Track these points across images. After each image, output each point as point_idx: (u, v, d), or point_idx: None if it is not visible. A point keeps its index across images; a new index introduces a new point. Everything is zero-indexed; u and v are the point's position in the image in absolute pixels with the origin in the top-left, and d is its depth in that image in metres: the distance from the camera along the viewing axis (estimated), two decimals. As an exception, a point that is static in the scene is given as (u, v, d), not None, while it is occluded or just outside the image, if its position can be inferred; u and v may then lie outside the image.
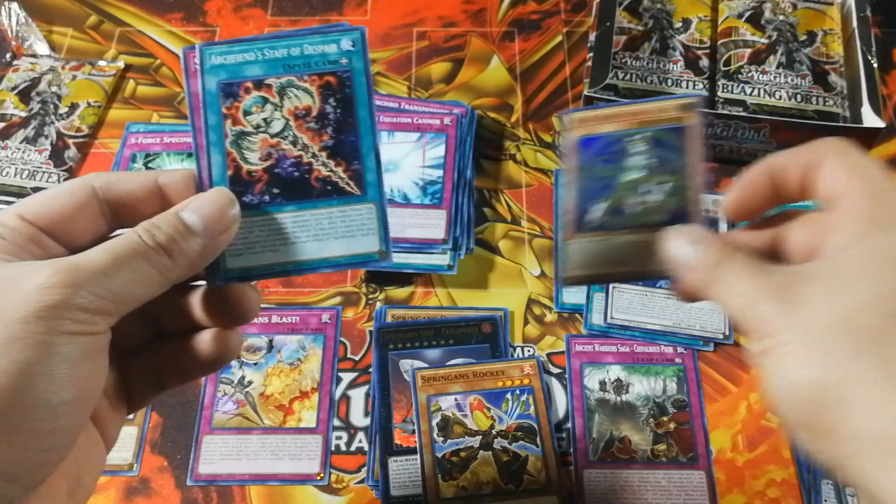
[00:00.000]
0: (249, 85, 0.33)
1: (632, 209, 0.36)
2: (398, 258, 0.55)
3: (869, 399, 0.25)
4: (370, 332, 0.54)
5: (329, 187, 0.32)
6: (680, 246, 0.33)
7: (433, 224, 0.56)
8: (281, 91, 0.33)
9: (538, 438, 0.49)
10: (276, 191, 0.32)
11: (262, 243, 0.32)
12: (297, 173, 0.32)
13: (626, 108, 0.37)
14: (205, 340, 0.33)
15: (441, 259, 0.54)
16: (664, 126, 0.37)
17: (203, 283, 0.33)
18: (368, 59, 0.33)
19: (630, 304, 0.54)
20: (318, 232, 0.32)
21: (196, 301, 0.33)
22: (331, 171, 0.33)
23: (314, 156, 0.33)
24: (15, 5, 0.69)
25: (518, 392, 0.50)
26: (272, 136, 0.33)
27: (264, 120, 0.33)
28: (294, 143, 0.33)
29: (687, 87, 0.62)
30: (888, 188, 0.29)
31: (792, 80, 0.62)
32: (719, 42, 0.65)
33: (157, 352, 0.34)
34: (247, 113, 0.33)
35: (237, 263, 0.32)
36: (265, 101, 0.33)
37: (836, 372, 0.26)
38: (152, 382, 0.34)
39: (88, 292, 0.26)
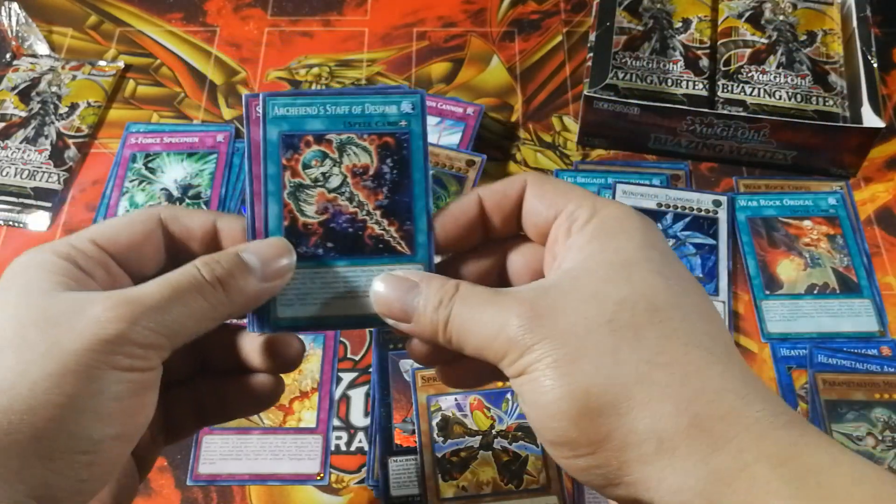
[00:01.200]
0: (310, 138, 0.33)
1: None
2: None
3: (640, 398, 0.25)
4: (370, 332, 0.54)
5: (381, 245, 0.33)
6: (391, 299, 0.30)
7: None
8: (341, 147, 0.33)
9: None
10: (330, 245, 0.33)
11: (314, 295, 0.32)
12: (351, 229, 0.33)
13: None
14: (249, 384, 0.33)
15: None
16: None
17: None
18: (427, 123, 0.34)
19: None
20: (368, 288, 0.32)
21: (244, 343, 0.34)
22: (384, 229, 0.33)
23: (369, 213, 0.33)
24: (15, 5, 0.69)
25: (518, 392, 0.50)
26: (329, 191, 0.33)
27: (323, 174, 0.33)
28: (350, 200, 0.33)
29: (687, 87, 0.62)
30: (602, 202, 0.29)
31: (792, 80, 0.62)
32: (719, 42, 0.65)
33: (201, 387, 0.34)
34: (306, 166, 0.33)
35: (287, 313, 0.32)
36: (325, 155, 0.33)
37: (601, 377, 0.25)
38: (193, 416, 0.34)
39: (144, 327, 0.26)
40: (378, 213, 0.33)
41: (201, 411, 0.34)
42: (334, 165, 0.33)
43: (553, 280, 0.28)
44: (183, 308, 0.28)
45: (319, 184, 0.33)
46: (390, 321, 0.31)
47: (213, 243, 0.32)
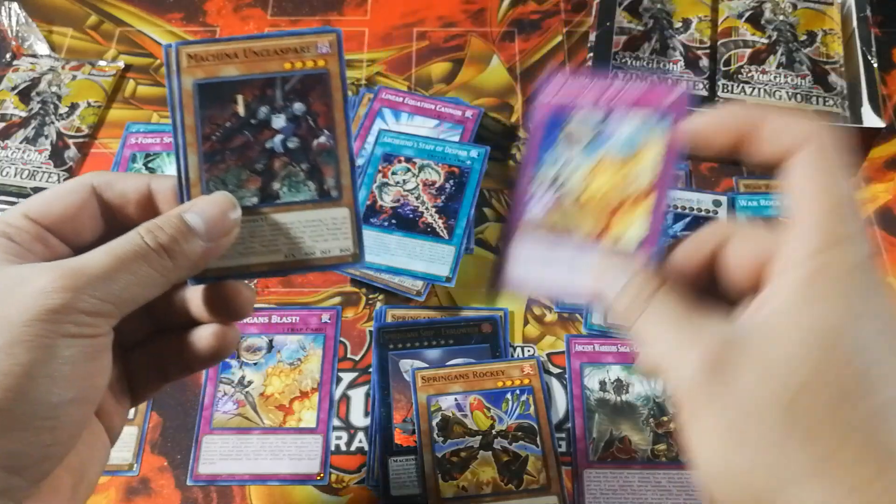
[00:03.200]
0: (402, 158, 0.58)
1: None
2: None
3: (803, 497, 0.23)
4: (370, 332, 0.54)
5: (429, 229, 0.55)
6: (608, 276, 0.29)
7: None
8: (421, 167, 0.57)
9: (538, 438, 0.49)
10: (394, 222, 0.55)
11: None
12: (412, 215, 0.56)
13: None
14: (203, 336, 0.33)
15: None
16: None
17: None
18: (486, 164, 0.56)
19: (630, 304, 0.54)
20: (412, 252, 0.54)
21: (191, 297, 0.34)
22: (433, 220, 0.55)
23: (426, 209, 0.55)
24: (15, 5, 0.69)
25: (518, 392, 0.50)
26: (404, 191, 0.56)
27: (403, 180, 0.57)
28: (417, 198, 0.56)
29: (687, 87, 0.62)
30: (843, 227, 0.25)
31: (792, 80, 0.62)
32: (719, 42, 0.65)
33: (158, 345, 0.34)
34: (394, 173, 0.57)
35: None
36: (408, 170, 0.57)
37: (763, 466, 0.23)
38: (155, 375, 0.34)
39: (90, 296, 0.27)
40: (433, 210, 0.55)
41: (162, 369, 0.34)
42: (413, 177, 0.57)
43: (747, 329, 0.25)
44: (129, 276, 0.28)
45: (398, 185, 0.57)
46: (597, 285, 0.29)
47: (149, 206, 0.32)
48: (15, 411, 0.25)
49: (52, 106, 0.65)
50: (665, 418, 0.50)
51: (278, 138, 0.33)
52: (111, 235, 0.30)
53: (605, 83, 0.31)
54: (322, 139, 0.33)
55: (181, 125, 0.32)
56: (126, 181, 0.32)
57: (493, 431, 0.49)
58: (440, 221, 0.55)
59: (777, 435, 0.23)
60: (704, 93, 0.62)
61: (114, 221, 0.32)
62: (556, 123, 0.33)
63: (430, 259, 0.54)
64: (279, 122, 0.33)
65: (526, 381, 0.50)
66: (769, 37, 0.65)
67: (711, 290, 0.29)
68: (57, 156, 0.62)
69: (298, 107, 0.33)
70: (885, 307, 0.24)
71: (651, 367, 0.27)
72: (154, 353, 0.34)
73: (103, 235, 0.32)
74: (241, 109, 0.33)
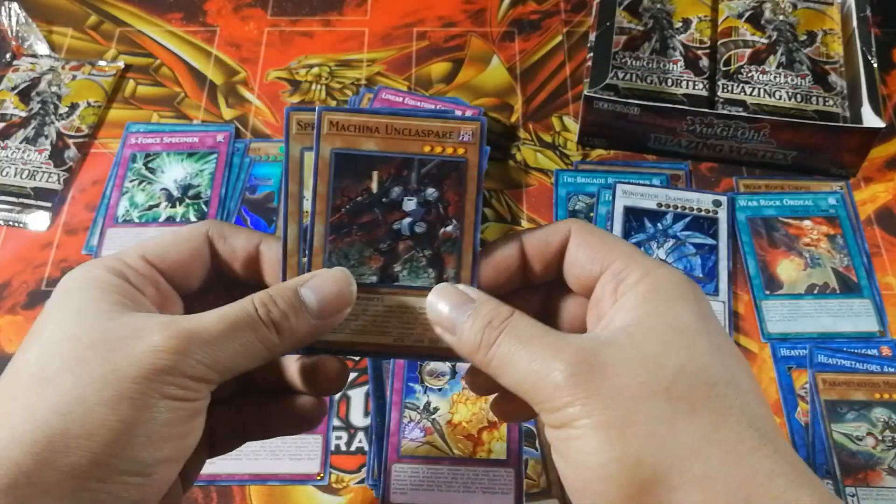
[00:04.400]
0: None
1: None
2: None
3: (694, 474, 0.24)
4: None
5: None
6: (444, 308, 0.29)
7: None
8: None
9: (537, 442, 0.49)
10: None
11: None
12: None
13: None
14: (291, 404, 0.34)
15: None
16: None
17: None
18: (486, 164, 0.36)
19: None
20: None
21: (287, 365, 0.34)
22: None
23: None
24: (15, 5, 0.69)
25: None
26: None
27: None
28: None
29: (687, 87, 0.62)
30: (651, 262, 0.29)
31: (792, 80, 0.62)
32: (719, 42, 0.65)
33: (245, 406, 0.35)
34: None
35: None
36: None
37: (655, 446, 0.24)
38: (236, 433, 0.35)
39: (197, 361, 0.27)
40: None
41: (244, 429, 0.35)
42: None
43: (607, 335, 0.27)
44: (236, 345, 0.28)
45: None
46: (438, 330, 0.30)
47: (254, 265, 0.33)
48: (110, 466, 0.25)
49: (52, 106, 0.65)
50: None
51: (407, 221, 0.32)
52: (216, 285, 0.31)
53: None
54: (449, 228, 0.32)
55: (314, 191, 0.31)
56: (238, 237, 0.33)
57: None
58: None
59: (664, 413, 0.25)
60: (704, 93, 0.62)
61: (220, 272, 0.33)
62: None
63: None
64: (410, 204, 0.32)
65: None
66: (769, 37, 0.65)
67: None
68: (57, 156, 0.62)
69: (431, 192, 0.32)
70: (709, 308, 0.28)
71: (514, 387, 0.27)
72: (238, 411, 0.34)
73: (209, 285, 0.33)
74: (374, 186, 0.32)
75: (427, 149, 0.32)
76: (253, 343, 0.28)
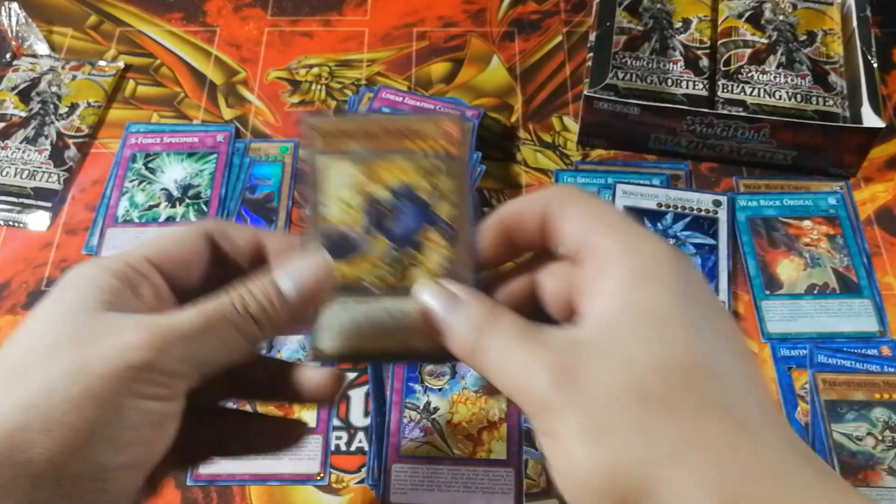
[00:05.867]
0: None
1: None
2: None
3: (672, 480, 0.23)
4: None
5: None
6: (434, 307, 0.29)
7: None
8: None
9: (537, 442, 0.49)
10: None
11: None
12: None
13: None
14: (273, 423, 0.34)
15: None
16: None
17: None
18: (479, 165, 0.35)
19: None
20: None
21: (292, 373, 0.33)
22: None
23: None
24: (15, 5, 0.69)
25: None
26: None
27: None
28: None
29: (687, 87, 0.62)
30: (636, 237, 0.27)
31: (792, 80, 0.62)
32: (719, 42, 0.65)
33: (223, 417, 0.34)
34: None
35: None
36: None
37: (630, 453, 0.23)
38: (210, 448, 0.34)
39: (172, 356, 0.26)
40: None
41: (219, 445, 0.34)
42: None
43: (585, 334, 0.26)
44: (214, 339, 0.27)
45: None
46: (432, 332, 0.29)
47: (260, 259, 0.33)
48: (67, 467, 0.24)
49: (52, 106, 0.65)
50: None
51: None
52: (214, 284, 0.30)
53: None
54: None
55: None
56: (240, 233, 0.33)
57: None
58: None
59: (640, 416, 0.24)
60: (704, 93, 0.62)
61: (225, 269, 0.33)
62: None
63: None
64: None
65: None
66: (769, 37, 0.65)
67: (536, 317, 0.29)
68: (57, 156, 0.62)
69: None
70: (695, 283, 0.26)
71: (505, 391, 0.26)
72: (217, 424, 0.34)
73: (208, 283, 0.32)
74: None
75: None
76: (232, 336, 0.28)
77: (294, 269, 0.29)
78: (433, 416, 0.49)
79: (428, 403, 0.50)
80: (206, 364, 0.27)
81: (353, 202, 0.32)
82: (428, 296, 0.29)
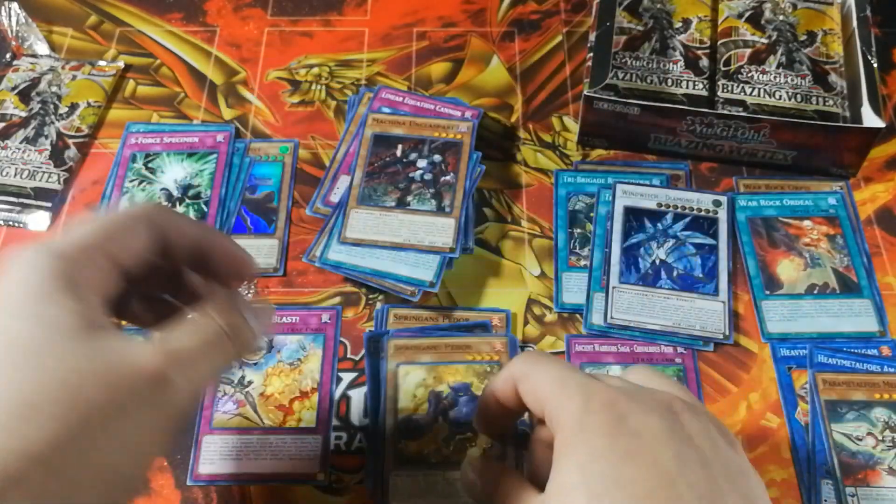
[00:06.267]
0: None
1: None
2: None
3: None
4: (363, 336, 0.54)
5: None
6: (467, 476, 0.37)
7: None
8: None
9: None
10: None
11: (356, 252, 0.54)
12: None
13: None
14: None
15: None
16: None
17: None
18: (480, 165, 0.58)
19: (630, 304, 0.54)
20: (395, 257, 0.54)
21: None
22: None
23: None
24: (15, 5, 0.69)
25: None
26: None
27: None
28: None
29: (687, 87, 0.62)
30: (580, 410, 0.30)
31: (792, 80, 0.62)
32: (719, 42, 0.65)
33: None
34: None
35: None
36: None
37: None
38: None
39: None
40: None
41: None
42: None
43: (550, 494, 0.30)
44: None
45: None
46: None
47: (198, 252, 0.35)
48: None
49: (52, 106, 0.65)
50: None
51: (418, 172, 0.57)
52: (156, 271, 0.34)
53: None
54: (448, 178, 0.56)
55: (356, 154, 0.57)
56: (189, 226, 0.34)
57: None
58: None
59: None
60: (704, 93, 0.62)
61: (166, 256, 0.34)
62: None
63: (415, 264, 0.53)
64: (422, 163, 0.57)
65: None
66: (769, 37, 0.65)
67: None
68: (57, 156, 0.62)
69: (437, 157, 0.57)
70: (652, 452, 0.29)
71: None
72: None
73: (149, 270, 0.33)
74: (398, 153, 0.57)
75: (436, 134, 0.58)
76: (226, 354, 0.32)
77: (260, 324, 0.34)
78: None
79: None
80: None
81: (421, 397, 0.48)
82: (469, 469, 0.37)
